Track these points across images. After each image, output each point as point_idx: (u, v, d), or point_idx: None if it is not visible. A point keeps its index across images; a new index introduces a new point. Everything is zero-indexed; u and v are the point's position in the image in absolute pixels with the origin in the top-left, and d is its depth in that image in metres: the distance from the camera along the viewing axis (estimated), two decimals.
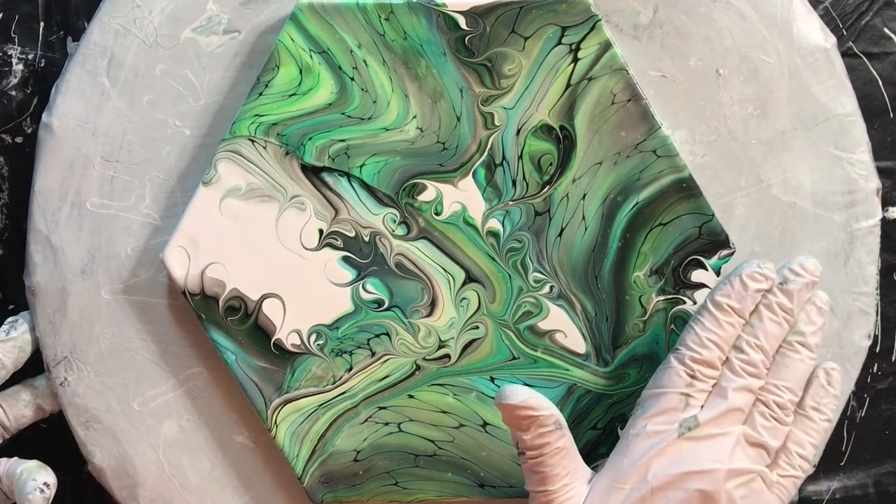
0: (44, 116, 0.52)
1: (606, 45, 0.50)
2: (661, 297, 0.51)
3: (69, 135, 0.52)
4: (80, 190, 0.52)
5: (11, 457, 0.52)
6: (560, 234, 0.51)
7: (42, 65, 0.55)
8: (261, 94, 0.50)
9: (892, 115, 0.56)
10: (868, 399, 0.57)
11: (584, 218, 0.51)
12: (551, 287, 0.51)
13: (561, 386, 0.52)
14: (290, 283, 0.51)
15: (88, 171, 0.52)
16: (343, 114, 0.51)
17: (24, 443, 0.54)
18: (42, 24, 0.55)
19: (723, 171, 0.52)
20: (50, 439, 0.56)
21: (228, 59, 0.52)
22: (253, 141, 0.51)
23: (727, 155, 0.52)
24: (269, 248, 0.51)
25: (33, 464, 0.51)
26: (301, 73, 0.51)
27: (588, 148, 0.51)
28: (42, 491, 0.50)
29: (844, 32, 0.55)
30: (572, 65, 0.50)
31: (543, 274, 0.51)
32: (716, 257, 0.51)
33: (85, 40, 0.52)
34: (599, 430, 0.52)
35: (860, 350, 0.53)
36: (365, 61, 0.51)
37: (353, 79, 0.51)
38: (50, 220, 0.52)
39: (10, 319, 0.53)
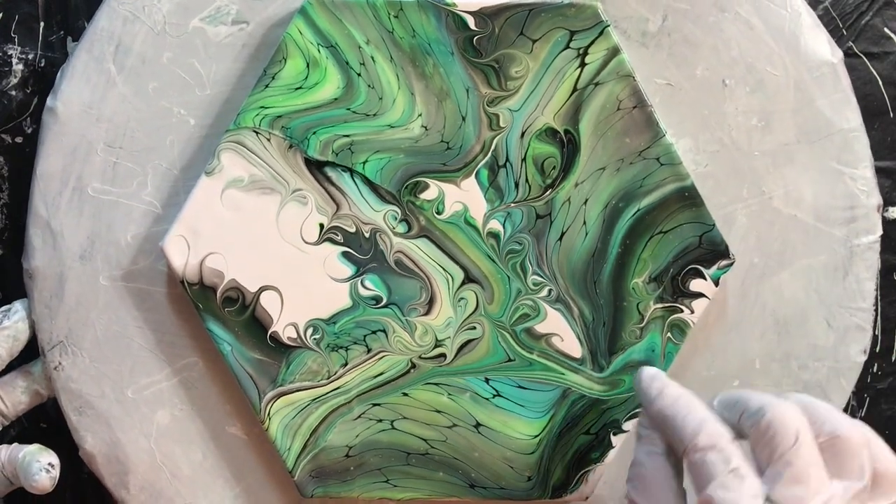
0: (48, 100, 0.52)
1: (614, 51, 0.50)
2: (659, 305, 0.51)
3: (73, 120, 0.52)
4: (81, 175, 0.52)
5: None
6: (560, 238, 0.51)
7: (42, 65, 0.55)
8: (267, 86, 0.50)
9: (892, 115, 0.56)
10: (868, 399, 0.57)
11: (584, 223, 0.51)
12: (550, 290, 0.51)
13: (555, 390, 0.52)
14: (288, 277, 0.51)
15: (91, 156, 0.52)
16: (348, 109, 0.51)
17: (23, 443, 0.54)
18: (42, 24, 0.55)
19: (725, 182, 0.52)
20: (50, 440, 0.55)
21: (236, 49, 0.52)
22: (257, 133, 0.51)
23: (730, 165, 0.52)
24: (269, 240, 0.51)
25: (35, 447, 0.51)
26: (308, 66, 0.51)
27: (592, 153, 0.51)
28: (48, 471, 0.50)
29: (844, 32, 0.55)
30: (579, 69, 0.50)
31: (542, 277, 0.51)
32: (715, 267, 0.51)
33: (92, 26, 0.52)
34: (592, 434, 0.52)
35: (855, 365, 0.53)
36: (372, 57, 0.51)
37: (359, 74, 0.51)
38: (51, 204, 0.52)
39: (3, 308, 0.53)
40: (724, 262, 0.51)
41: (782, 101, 0.52)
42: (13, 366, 0.53)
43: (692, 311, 0.51)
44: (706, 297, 0.51)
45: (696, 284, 0.51)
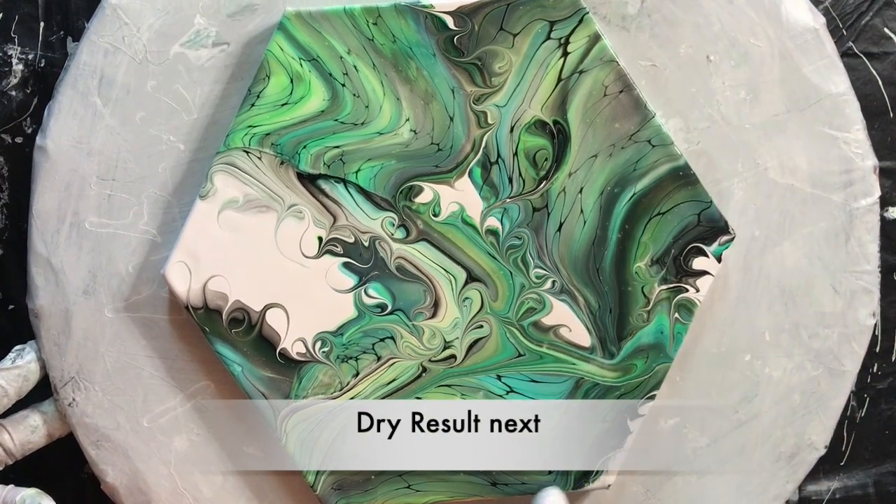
0: (38, 139, 0.53)
1: (595, 38, 0.50)
2: (664, 287, 0.51)
3: (64, 156, 0.52)
4: (77, 210, 0.52)
5: (7, 475, 0.52)
6: (559, 229, 0.51)
7: (42, 65, 0.56)
8: (253, 104, 0.51)
9: (892, 114, 0.56)
10: (868, 399, 0.57)
11: (582, 211, 0.51)
12: (553, 282, 0.51)
13: (568, 381, 0.52)
14: (292, 292, 0.51)
15: (85, 190, 0.52)
16: (336, 120, 0.51)
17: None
18: (42, 24, 0.56)
19: (719, 157, 0.52)
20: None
21: (219, 71, 0.52)
22: (248, 152, 0.51)
23: (722, 141, 0.52)
24: (270, 258, 0.51)
25: (32, 491, 0.51)
26: (292, 81, 0.51)
27: (582, 141, 0.51)
28: None
29: (844, 32, 0.55)
30: (562, 59, 0.50)
31: (544, 269, 0.51)
32: (716, 243, 0.51)
33: (74, 61, 0.52)
34: (608, 422, 0.52)
35: (865, 328, 0.53)
36: (355, 66, 0.50)
37: (344, 85, 0.51)
38: (49, 241, 0.52)
39: (17, 348, 0.53)
40: (724, 238, 0.51)
41: (768, 71, 0.52)
42: (23, 404, 0.53)
43: (697, 290, 0.51)
44: (710, 274, 0.51)
45: (698, 263, 0.51)
